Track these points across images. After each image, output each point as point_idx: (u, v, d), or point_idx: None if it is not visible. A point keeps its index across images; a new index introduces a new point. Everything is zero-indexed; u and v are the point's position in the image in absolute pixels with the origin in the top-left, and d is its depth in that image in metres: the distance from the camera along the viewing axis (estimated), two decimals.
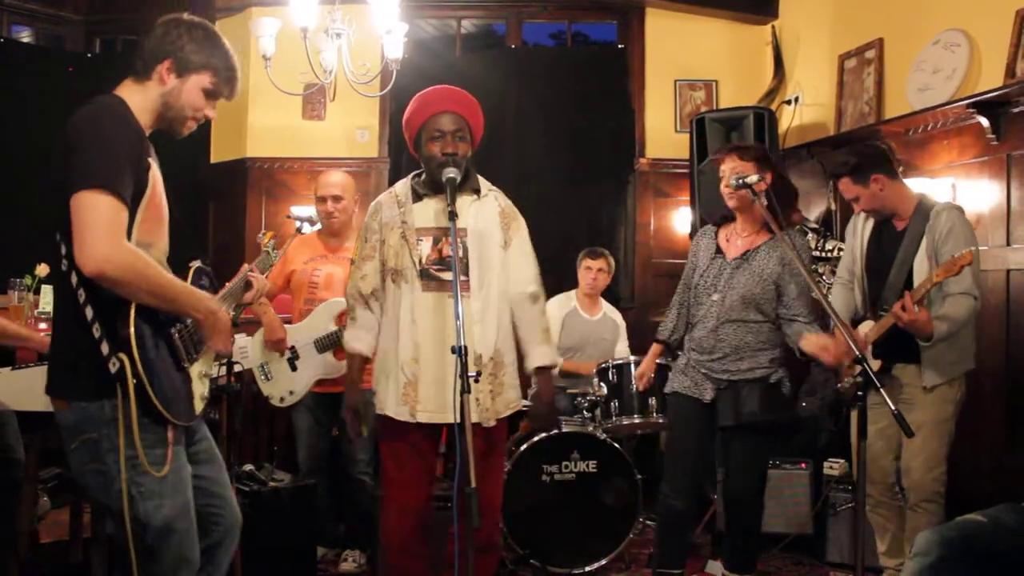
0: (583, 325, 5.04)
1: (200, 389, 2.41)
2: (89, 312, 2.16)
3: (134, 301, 2.15)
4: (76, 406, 2.20)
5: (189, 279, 2.43)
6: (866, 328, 3.50)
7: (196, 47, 2.31)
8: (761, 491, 3.60)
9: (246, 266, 2.86)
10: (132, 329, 2.14)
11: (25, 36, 6.38)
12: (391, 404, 2.98)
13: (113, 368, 2.14)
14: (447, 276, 2.92)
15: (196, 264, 2.50)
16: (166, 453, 2.24)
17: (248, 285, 2.80)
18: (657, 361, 4.10)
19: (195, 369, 2.39)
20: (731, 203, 3.48)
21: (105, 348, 2.15)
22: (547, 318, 3.18)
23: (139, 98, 2.29)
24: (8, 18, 6.05)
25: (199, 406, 2.40)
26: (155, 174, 2.27)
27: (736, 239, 3.54)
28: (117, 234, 2.08)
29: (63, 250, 2.19)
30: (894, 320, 3.26)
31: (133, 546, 2.22)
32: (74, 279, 2.17)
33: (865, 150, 3.70)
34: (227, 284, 2.77)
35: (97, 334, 2.15)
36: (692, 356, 3.56)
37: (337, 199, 4.18)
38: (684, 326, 3.68)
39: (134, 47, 2.35)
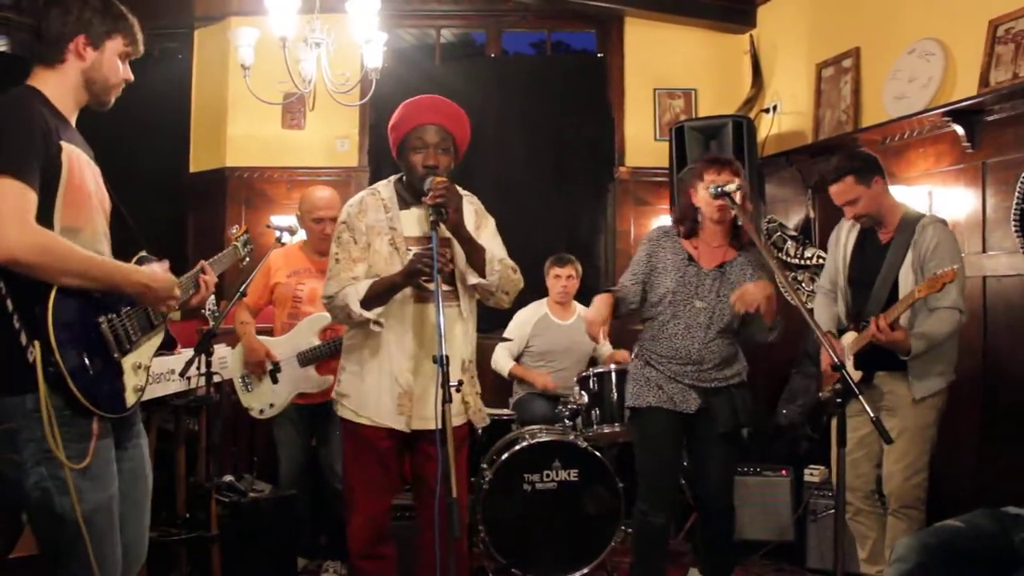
0: (557, 331, 5.05)
1: (134, 381, 2.35)
2: (9, 304, 2.13)
3: (56, 284, 2.12)
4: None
5: None
6: (848, 340, 3.52)
7: (101, 17, 2.33)
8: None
9: (202, 262, 2.73)
10: (49, 315, 2.10)
11: (1, 45, 6.33)
12: (387, 415, 2.96)
13: (31, 357, 2.10)
14: (432, 287, 2.92)
15: (141, 255, 2.46)
16: (88, 446, 2.18)
17: (196, 286, 2.67)
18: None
19: (129, 360, 2.33)
20: (718, 215, 3.41)
21: (23, 338, 2.12)
22: (517, 277, 3.11)
23: (56, 82, 2.30)
24: None
25: (131, 398, 2.33)
26: (72, 156, 2.24)
27: (705, 248, 3.49)
28: (24, 217, 2.06)
29: None
30: (872, 341, 3.30)
31: (48, 545, 2.19)
32: None
33: (863, 154, 3.71)
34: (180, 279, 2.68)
35: (17, 325, 2.12)
36: (671, 368, 3.44)
37: (335, 220, 4.08)
38: (631, 300, 3.49)
39: (32, 36, 2.35)
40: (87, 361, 2.18)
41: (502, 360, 5.05)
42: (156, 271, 2.36)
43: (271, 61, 4.63)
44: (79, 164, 2.27)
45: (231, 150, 5.98)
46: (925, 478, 3.42)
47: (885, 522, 3.51)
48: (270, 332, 4.27)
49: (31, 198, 2.09)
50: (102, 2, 2.35)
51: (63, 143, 2.22)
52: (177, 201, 6.18)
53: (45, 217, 2.13)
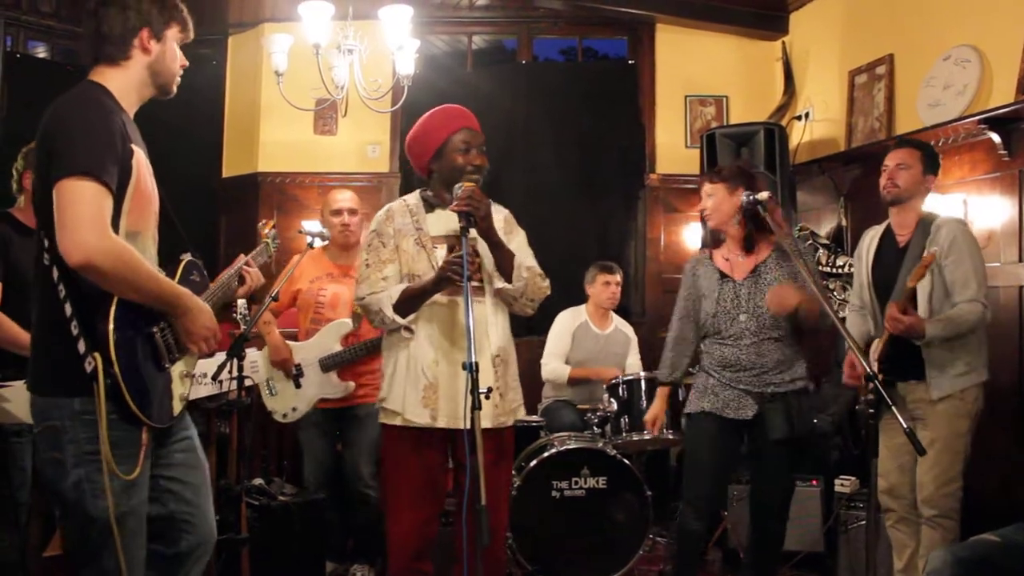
0: (594, 339, 5.03)
1: (180, 390, 2.35)
2: (68, 309, 2.12)
3: (117, 295, 2.11)
4: (47, 399, 2.17)
5: (179, 273, 2.39)
6: (872, 347, 3.48)
7: (157, 8, 2.32)
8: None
9: (242, 256, 2.77)
10: (111, 326, 2.09)
11: (41, 51, 6.44)
12: (411, 408, 2.94)
13: (89, 367, 2.10)
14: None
15: (187, 258, 2.45)
16: (138, 455, 2.18)
17: (241, 279, 2.72)
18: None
19: (176, 369, 2.33)
20: (733, 228, 3.49)
21: (82, 347, 2.11)
22: (545, 285, 3.10)
23: (121, 79, 2.28)
24: (25, 34, 6.11)
25: (177, 407, 2.34)
26: (140, 159, 2.23)
27: (735, 258, 3.52)
28: (103, 223, 2.04)
29: (45, 244, 2.14)
30: (890, 331, 3.28)
31: (75, 544, 2.19)
32: (55, 274, 2.13)
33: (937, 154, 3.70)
34: (219, 276, 2.69)
35: (75, 332, 2.12)
36: (724, 375, 3.46)
37: (353, 212, 4.24)
38: (685, 361, 3.67)
39: (94, 39, 2.28)
40: (142, 372, 2.19)
41: (555, 370, 4.97)
42: (206, 309, 2.33)
43: (304, 67, 4.67)
44: (145, 167, 2.26)
45: (263, 155, 6.05)
46: (959, 487, 3.36)
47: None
48: (294, 337, 4.30)
49: (108, 203, 2.07)
50: None
51: (133, 146, 2.21)
52: (210, 206, 6.25)
53: (113, 220, 2.10)
